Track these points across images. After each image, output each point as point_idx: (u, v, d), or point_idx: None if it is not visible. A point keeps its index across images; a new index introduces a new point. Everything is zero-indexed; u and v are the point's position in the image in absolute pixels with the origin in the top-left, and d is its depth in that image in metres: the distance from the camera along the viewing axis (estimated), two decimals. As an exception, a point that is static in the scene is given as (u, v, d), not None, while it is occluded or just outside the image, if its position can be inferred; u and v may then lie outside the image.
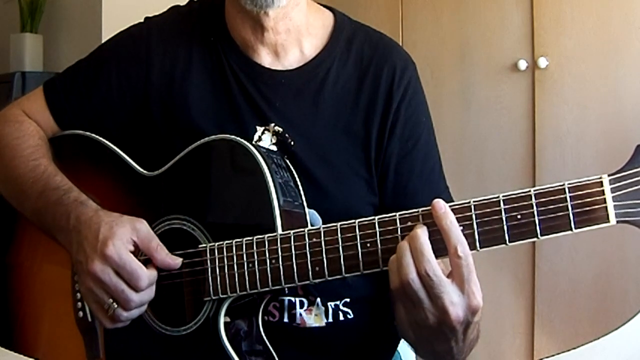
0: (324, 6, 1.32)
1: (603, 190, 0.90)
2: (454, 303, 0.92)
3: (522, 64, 2.42)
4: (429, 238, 0.94)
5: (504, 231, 0.93)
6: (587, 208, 0.90)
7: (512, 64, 2.45)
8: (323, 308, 1.20)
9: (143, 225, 1.09)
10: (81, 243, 1.08)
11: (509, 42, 2.46)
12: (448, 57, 2.58)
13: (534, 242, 2.38)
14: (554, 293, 2.39)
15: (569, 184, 0.91)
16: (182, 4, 1.33)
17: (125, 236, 1.07)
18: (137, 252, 1.08)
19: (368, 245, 1.00)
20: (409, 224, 0.97)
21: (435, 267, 0.92)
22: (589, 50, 2.32)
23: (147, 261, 1.09)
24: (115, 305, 1.06)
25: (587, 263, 2.33)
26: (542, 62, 2.37)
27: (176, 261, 1.09)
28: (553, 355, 2.22)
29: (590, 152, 2.32)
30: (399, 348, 1.34)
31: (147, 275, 1.06)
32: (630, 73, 2.27)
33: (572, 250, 2.34)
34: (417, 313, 0.95)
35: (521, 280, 2.45)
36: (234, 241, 1.07)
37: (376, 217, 1.00)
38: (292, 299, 1.18)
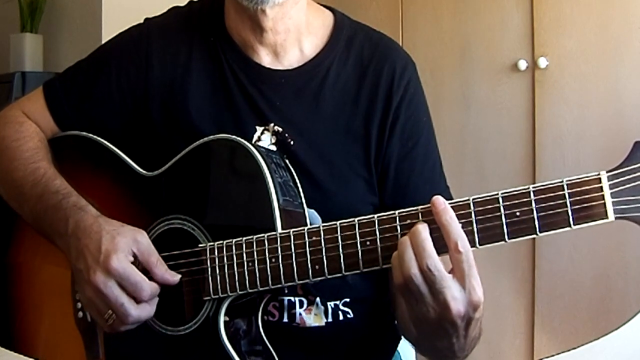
0: (324, 6, 1.32)
1: (601, 187, 0.90)
2: (456, 298, 0.93)
3: (522, 64, 2.41)
4: (429, 235, 0.94)
5: (502, 228, 0.93)
6: (586, 204, 0.91)
7: (512, 64, 2.44)
8: (322, 308, 1.20)
9: (144, 238, 1.09)
10: (81, 251, 1.07)
11: (509, 42, 2.46)
12: (448, 57, 2.58)
13: (534, 242, 2.39)
14: (554, 293, 2.39)
15: (567, 180, 0.91)
16: (182, 5, 1.33)
17: (127, 248, 1.06)
18: (136, 263, 1.08)
19: (368, 243, 1.00)
20: (409, 221, 0.97)
21: (437, 262, 0.93)
22: (589, 50, 2.31)
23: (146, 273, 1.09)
24: (115, 317, 1.06)
25: (587, 263, 2.32)
26: (542, 62, 2.37)
27: (175, 278, 1.09)
28: (553, 355, 2.21)
29: (590, 152, 2.32)
30: (399, 348, 1.34)
31: (149, 287, 1.06)
32: (630, 73, 2.26)
33: (572, 250, 2.34)
34: (419, 308, 0.95)
35: (521, 280, 2.45)
36: (234, 240, 1.07)
37: (376, 215, 1.00)
38: (292, 298, 1.18)
